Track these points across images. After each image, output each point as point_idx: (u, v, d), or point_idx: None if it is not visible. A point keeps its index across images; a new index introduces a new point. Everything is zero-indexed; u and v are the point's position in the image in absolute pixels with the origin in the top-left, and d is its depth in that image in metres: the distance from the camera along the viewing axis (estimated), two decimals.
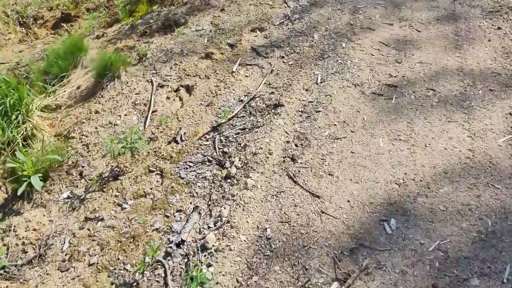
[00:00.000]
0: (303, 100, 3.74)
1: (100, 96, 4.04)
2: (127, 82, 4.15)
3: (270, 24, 4.93)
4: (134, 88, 4.06)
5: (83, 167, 3.31)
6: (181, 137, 3.41)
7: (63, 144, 3.58)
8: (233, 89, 3.93)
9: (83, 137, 3.59)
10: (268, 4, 5.33)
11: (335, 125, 3.46)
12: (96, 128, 3.66)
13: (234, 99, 3.83)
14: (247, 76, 4.11)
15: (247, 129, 3.46)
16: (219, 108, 3.72)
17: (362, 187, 2.91)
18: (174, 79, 4.13)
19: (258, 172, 3.01)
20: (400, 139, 3.28)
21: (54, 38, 7.51)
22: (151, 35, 5.18)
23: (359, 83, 3.89)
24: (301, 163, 3.12)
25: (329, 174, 3.02)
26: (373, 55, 4.26)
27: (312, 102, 3.71)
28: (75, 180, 3.22)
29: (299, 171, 3.05)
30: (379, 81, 3.90)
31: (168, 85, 4.03)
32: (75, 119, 3.85)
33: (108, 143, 3.11)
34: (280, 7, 5.29)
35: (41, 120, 3.84)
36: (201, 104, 3.79)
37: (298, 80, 3.97)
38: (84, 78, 4.47)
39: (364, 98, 3.72)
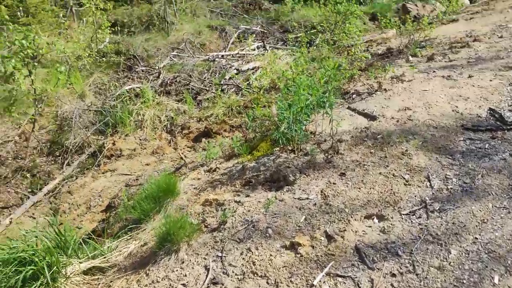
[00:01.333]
0: None
1: (145, 273, 3.30)
2: (183, 262, 3.33)
3: (396, 212, 3.64)
4: (185, 275, 3.20)
5: None
6: None
7: None
8: None
9: None
10: (404, 178, 4.06)
11: None
12: None
13: None
14: None
15: None
16: None
17: None
18: (235, 275, 3.14)
19: None
20: None
21: (189, 152, 7.44)
22: (253, 187, 4.40)
23: None
24: None
25: None
26: None
27: None
28: None
29: None
30: None
31: (223, 284, 3.06)
32: None
33: None
34: (419, 185, 3.96)
35: (75, 287, 3.23)
36: None
37: None
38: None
39: None
